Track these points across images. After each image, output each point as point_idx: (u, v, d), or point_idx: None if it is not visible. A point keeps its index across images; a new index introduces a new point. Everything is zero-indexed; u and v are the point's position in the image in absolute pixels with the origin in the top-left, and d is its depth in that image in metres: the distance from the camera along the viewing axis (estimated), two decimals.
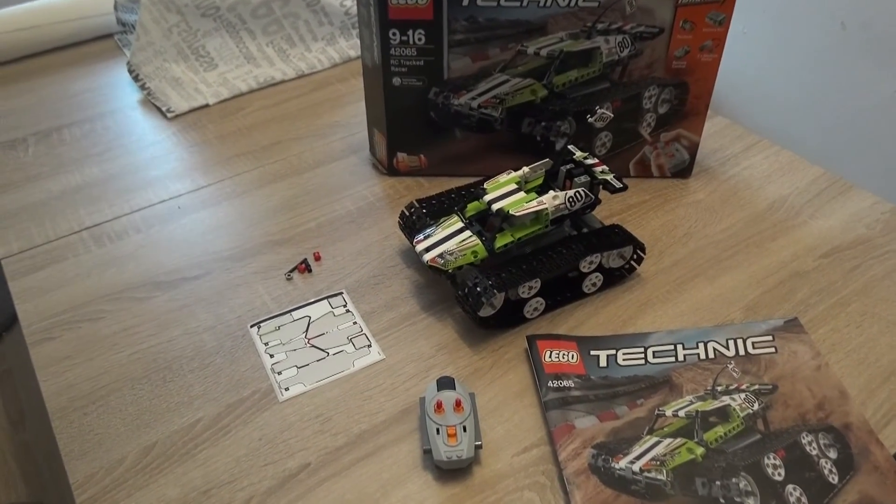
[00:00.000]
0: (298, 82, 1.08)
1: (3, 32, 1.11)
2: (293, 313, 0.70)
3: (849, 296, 0.71)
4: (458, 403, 0.57)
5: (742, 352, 0.65)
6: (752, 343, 0.65)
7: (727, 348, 0.65)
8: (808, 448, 0.57)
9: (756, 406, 0.60)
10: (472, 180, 0.78)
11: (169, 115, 1.01)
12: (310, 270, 0.75)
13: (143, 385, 0.64)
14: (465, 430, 0.56)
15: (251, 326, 0.69)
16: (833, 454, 0.56)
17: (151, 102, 1.03)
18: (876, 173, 1.08)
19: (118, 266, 0.76)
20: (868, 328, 0.67)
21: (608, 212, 0.82)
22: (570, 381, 0.62)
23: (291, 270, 0.75)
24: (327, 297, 0.72)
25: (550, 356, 0.64)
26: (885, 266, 0.74)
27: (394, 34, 0.76)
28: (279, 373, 0.64)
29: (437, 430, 0.56)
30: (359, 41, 1.15)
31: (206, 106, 1.03)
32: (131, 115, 1.02)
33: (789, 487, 0.54)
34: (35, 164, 0.92)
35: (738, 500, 0.53)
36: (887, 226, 0.79)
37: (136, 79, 1.06)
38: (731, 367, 0.63)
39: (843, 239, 0.78)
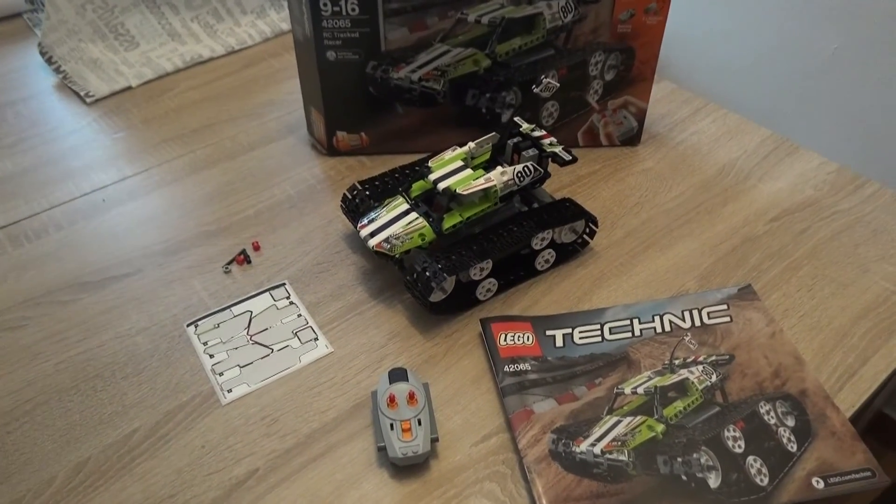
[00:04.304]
0: (228, 59, 1.02)
1: None
2: (233, 309, 0.66)
3: (799, 259, 0.71)
4: (411, 396, 0.55)
5: (698, 322, 0.64)
6: (708, 313, 0.65)
7: (683, 320, 0.64)
8: (766, 417, 0.56)
9: (714, 378, 0.59)
10: (416, 158, 0.75)
11: (88, 99, 0.93)
12: (249, 262, 0.71)
13: (73, 396, 0.59)
14: (419, 423, 0.53)
15: (188, 325, 0.64)
16: (791, 422, 0.56)
17: (68, 87, 0.96)
18: (822, 132, 1.08)
19: (38, 267, 0.70)
20: (819, 291, 0.67)
21: (558, 184, 0.80)
22: (526, 364, 0.60)
23: (229, 263, 0.70)
24: (269, 290, 0.68)
25: (506, 339, 0.62)
26: (833, 227, 0.74)
27: (325, 5, 0.71)
28: (220, 374, 0.61)
29: (391, 425, 0.53)
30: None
31: (129, 88, 0.96)
32: (46, 101, 0.94)
33: (750, 459, 0.54)
34: None
35: (699, 475, 0.53)
36: (833, 186, 0.79)
37: (49, 61, 0.98)
38: (687, 339, 0.62)
39: (791, 201, 0.77)
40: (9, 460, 0.55)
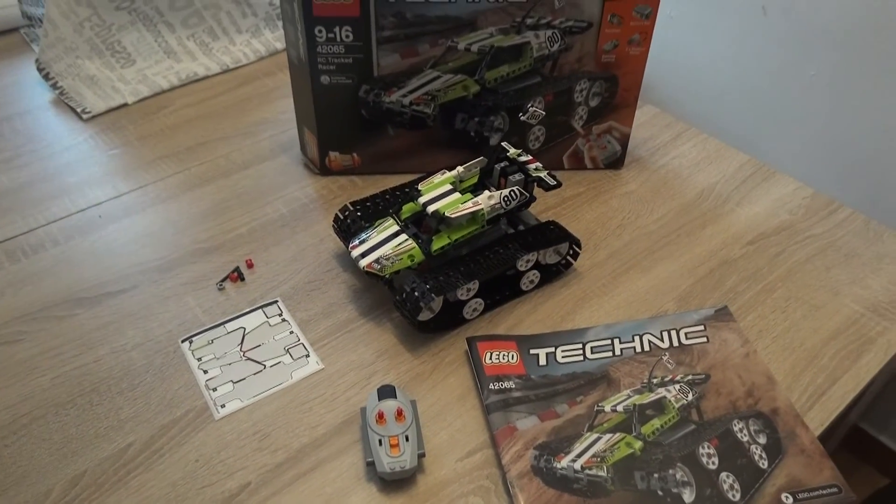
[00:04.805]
0: (223, 77, 1.04)
1: None
2: (226, 325, 0.68)
3: (774, 282, 0.74)
4: (399, 413, 0.57)
5: (676, 342, 0.66)
6: (685, 333, 0.67)
7: (662, 340, 0.67)
8: (739, 435, 0.59)
9: (690, 396, 0.62)
10: (407, 178, 0.77)
11: (85, 115, 0.95)
12: (242, 279, 0.73)
13: (69, 410, 0.60)
14: (407, 439, 0.55)
15: (182, 341, 0.66)
16: (762, 439, 0.59)
17: (65, 102, 0.98)
18: (797, 156, 1.12)
19: (35, 283, 0.72)
20: (792, 313, 0.70)
21: (543, 206, 0.82)
22: (510, 382, 0.62)
23: (223, 280, 0.72)
24: (262, 307, 0.70)
25: (491, 358, 0.64)
26: (807, 251, 0.77)
27: (320, 31, 0.74)
28: (214, 389, 0.62)
29: (380, 441, 0.55)
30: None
31: (125, 105, 0.98)
32: (43, 116, 0.96)
33: (723, 475, 0.56)
34: None
35: (675, 490, 0.55)
36: (808, 210, 0.82)
37: (46, 77, 1.00)
38: (665, 358, 0.65)
39: (767, 225, 0.80)
40: (6, 473, 0.56)
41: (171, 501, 0.54)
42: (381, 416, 0.56)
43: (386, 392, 0.58)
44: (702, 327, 0.68)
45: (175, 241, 0.77)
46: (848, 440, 1.21)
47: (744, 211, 0.82)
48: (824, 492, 0.55)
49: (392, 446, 0.55)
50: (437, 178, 0.70)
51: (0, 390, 0.62)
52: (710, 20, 1.22)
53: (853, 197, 0.97)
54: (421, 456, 0.56)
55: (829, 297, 0.72)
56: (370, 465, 0.55)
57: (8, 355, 0.65)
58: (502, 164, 0.72)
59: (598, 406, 0.61)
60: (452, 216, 0.65)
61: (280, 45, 1.10)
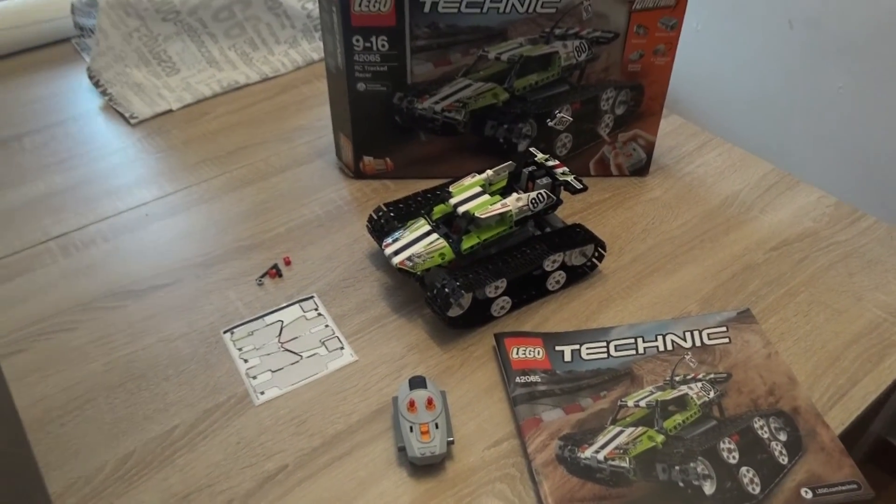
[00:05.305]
0: (262, 86, 1.09)
1: None
2: (265, 318, 0.71)
3: (797, 286, 0.75)
4: (429, 401, 0.59)
5: (698, 343, 0.68)
6: (708, 334, 0.69)
7: (684, 340, 0.68)
8: (759, 432, 0.60)
9: (712, 394, 0.63)
10: (437, 182, 0.80)
11: (132, 121, 1.00)
12: (280, 275, 0.76)
13: (119, 394, 0.64)
14: (437, 426, 0.58)
15: (224, 332, 0.70)
16: (783, 437, 0.60)
17: (113, 108, 1.03)
18: (823, 167, 1.13)
19: (87, 276, 0.76)
20: (814, 317, 0.72)
21: (570, 210, 0.85)
22: (536, 377, 0.65)
23: (262, 276, 0.76)
24: (299, 302, 0.73)
25: (517, 353, 0.66)
26: (830, 257, 0.78)
27: (357, 41, 0.77)
28: (254, 377, 0.66)
29: (411, 427, 0.58)
30: (321, 44, 1.16)
31: (170, 111, 1.03)
32: (93, 121, 1.01)
33: (743, 469, 0.58)
34: None
35: (696, 483, 0.57)
36: (832, 219, 0.84)
37: (96, 84, 1.05)
38: (688, 357, 0.67)
39: (791, 232, 0.82)
40: (61, 450, 0.60)
41: (214, 479, 0.58)
42: (412, 405, 0.59)
43: (417, 382, 0.61)
44: (724, 328, 0.69)
45: (217, 239, 0.81)
46: (877, 455, 1.20)
47: (767, 218, 0.84)
48: (844, 488, 0.57)
49: (423, 433, 0.58)
50: (468, 180, 0.73)
51: (56, 374, 0.66)
52: (737, 34, 1.24)
53: (878, 207, 0.97)
54: (450, 443, 0.58)
55: (851, 301, 0.73)
56: (401, 450, 0.58)
57: (63, 342, 0.69)
58: (530, 169, 0.75)
59: (621, 401, 0.63)
60: (482, 217, 0.68)
61: (316, 55, 1.14)
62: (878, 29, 1.04)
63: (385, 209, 0.76)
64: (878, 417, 0.83)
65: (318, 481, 0.58)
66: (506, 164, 0.75)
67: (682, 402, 0.63)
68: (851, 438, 0.63)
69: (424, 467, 0.58)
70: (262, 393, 0.64)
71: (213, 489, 0.57)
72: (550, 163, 0.75)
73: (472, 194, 0.71)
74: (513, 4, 0.75)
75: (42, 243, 0.80)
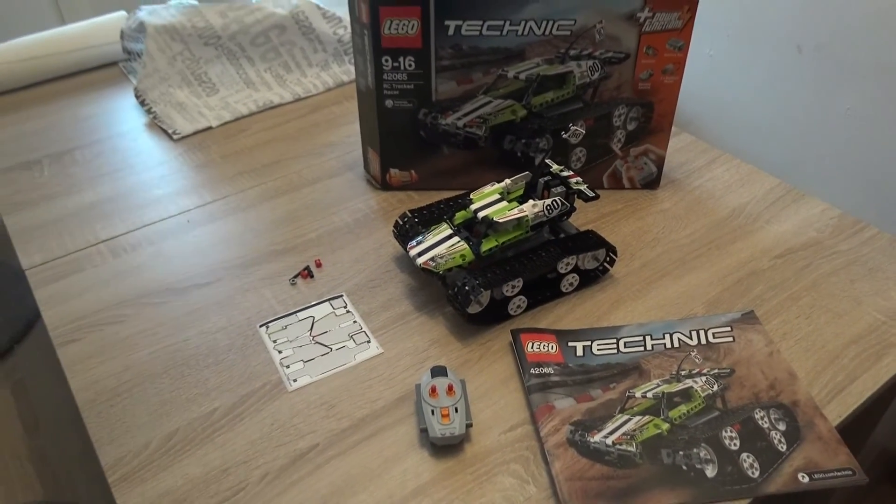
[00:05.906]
0: (295, 105, 1.16)
1: (17, 61, 1.18)
2: (298, 314, 0.77)
3: (799, 291, 0.79)
4: (450, 388, 0.64)
5: (703, 341, 0.72)
6: (713, 333, 0.73)
7: (690, 338, 0.72)
8: (760, 422, 0.64)
9: (715, 387, 0.67)
10: (459, 193, 0.86)
11: (175, 136, 1.08)
12: (312, 276, 0.82)
13: (164, 380, 0.70)
14: (456, 410, 0.63)
15: (260, 326, 0.75)
16: (782, 427, 0.64)
17: (157, 125, 1.11)
18: (828, 183, 1.16)
19: (135, 275, 0.83)
20: (816, 319, 0.75)
21: (583, 220, 0.90)
22: (550, 369, 0.69)
23: (295, 276, 0.82)
24: (329, 300, 0.79)
25: (532, 347, 0.71)
26: (833, 265, 0.82)
27: (386, 61, 0.84)
28: (287, 366, 0.71)
29: (432, 411, 0.63)
30: (351, 67, 1.23)
31: (210, 128, 1.10)
32: (139, 137, 1.09)
33: (743, 455, 0.61)
34: (50, 183, 0.99)
35: (698, 466, 0.61)
36: (836, 229, 0.88)
37: (142, 103, 1.13)
38: (693, 354, 0.71)
39: (795, 241, 0.86)
40: (112, 427, 0.65)
41: (251, 455, 0.63)
42: (433, 391, 0.64)
43: (438, 371, 0.66)
44: (729, 328, 0.73)
45: (253, 244, 0.87)
46: (891, 472, 1.21)
47: (773, 228, 0.88)
48: (839, 473, 0.60)
49: (443, 416, 0.62)
50: (487, 188, 0.78)
51: (107, 361, 0.72)
52: (747, 59, 1.30)
53: (881, 220, 1.01)
54: (469, 426, 0.63)
55: (851, 305, 0.77)
56: (423, 431, 0.62)
57: (113, 333, 0.75)
58: (546, 178, 0.80)
59: (629, 392, 0.67)
60: (500, 221, 0.73)
61: (346, 77, 1.21)
62: (884, 54, 1.08)
63: (410, 215, 0.81)
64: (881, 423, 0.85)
65: (347, 459, 0.62)
66: (523, 174, 0.80)
67: (687, 394, 0.67)
68: (854, 443, 0.66)
69: (444, 448, 0.63)
70: (295, 380, 0.70)
71: (250, 464, 0.62)
72: (565, 173, 0.80)
73: (491, 201, 0.76)
74: (530, 27, 0.82)
75: (93, 245, 0.87)
